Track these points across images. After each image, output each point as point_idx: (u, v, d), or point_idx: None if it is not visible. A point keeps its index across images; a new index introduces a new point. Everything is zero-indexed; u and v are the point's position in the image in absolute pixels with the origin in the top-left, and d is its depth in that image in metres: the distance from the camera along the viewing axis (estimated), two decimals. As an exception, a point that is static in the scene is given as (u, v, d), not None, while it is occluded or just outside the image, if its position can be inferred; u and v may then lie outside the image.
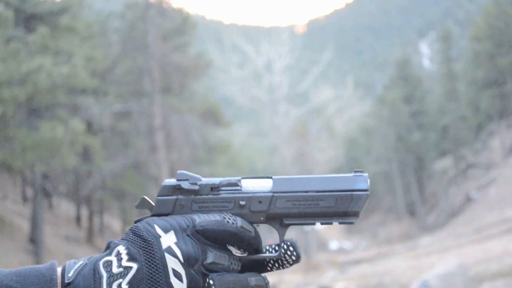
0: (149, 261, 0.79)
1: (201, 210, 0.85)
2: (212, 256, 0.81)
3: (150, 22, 22.00)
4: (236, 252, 0.86)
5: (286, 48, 39.90)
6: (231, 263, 0.82)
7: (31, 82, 14.45)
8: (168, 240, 0.80)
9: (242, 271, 0.84)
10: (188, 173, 0.87)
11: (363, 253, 29.28)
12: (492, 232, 18.95)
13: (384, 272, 16.15)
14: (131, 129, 22.96)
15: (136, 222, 0.86)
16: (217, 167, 27.62)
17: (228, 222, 0.82)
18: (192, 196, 0.86)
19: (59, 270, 0.82)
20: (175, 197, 0.86)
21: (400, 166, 43.15)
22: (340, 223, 0.87)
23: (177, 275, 0.79)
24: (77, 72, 15.69)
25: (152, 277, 0.78)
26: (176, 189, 0.86)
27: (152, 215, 0.86)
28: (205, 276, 0.80)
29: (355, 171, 0.87)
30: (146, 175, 24.05)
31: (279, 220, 0.87)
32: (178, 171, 0.87)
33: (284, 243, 0.86)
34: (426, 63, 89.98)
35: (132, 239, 0.82)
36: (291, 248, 0.85)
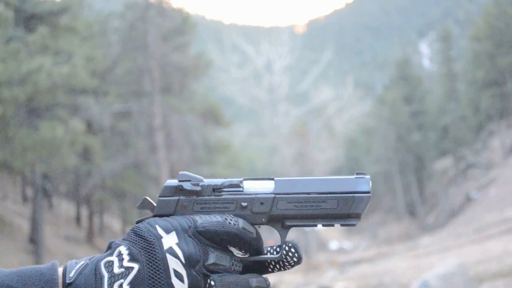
0: (150, 262, 0.79)
1: (203, 211, 0.85)
2: (213, 257, 0.81)
3: (150, 22, 21.99)
4: (237, 253, 0.86)
5: (286, 48, 39.90)
6: (233, 264, 0.82)
7: (31, 82, 14.44)
8: (169, 240, 0.80)
9: (243, 272, 0.84)
10: (190, 174, 0.87)
11: (363, 253, 29.28)
12: (492, 232, 18.95)
13: (384, 272, 16.15)
14: (131, 129, 22.95)
15: (137, 222, 0.86)
16: (217, 167, 27.61)
17: (229, 223, 0.82)
18: (194, 197, 0.86)
19: (60, 270, 0.82)
20: (177, 197, 0.86)
21: (400, 166, 43.15)
22: (341, 225, 0.87)
23: (179, 276, 0.79)
24: (77, 72, 15.69)
25: (153, 278, 0.78)
26: (178, 190, 0.86)
27: (154, 216, 0.86)
28: (206, 277, 0.80)
29: (357, 173, 0.88)
30: (146, 175, 24.05)
31: (281, 222, 0.87)
32: (180, 172, 0.87)
33: (286, 245, 0.86)
34: (426, 63, 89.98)
35: (133, 240, 0.82)
36: (292, 250, 0.85)
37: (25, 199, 25.27)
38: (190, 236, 0.81)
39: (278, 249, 0.87)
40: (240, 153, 44.97)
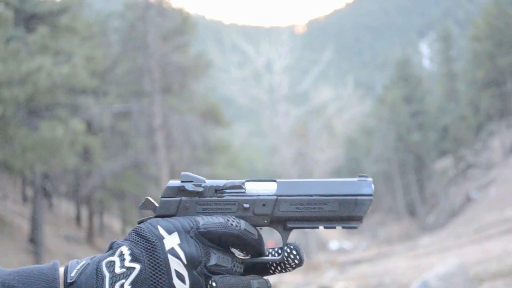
0: (152, 262, 0.79)
1: (205, 212, 0.85)
2: (215, 258, 0.81)
3: (150, 22, 21.99)
4: (238, 254, 0.86)
5: (286, 48, 39.90)
6: (234, 266, 0.82)
7: (31, 82, 14.44)
8: (171, 241, 0.80)
9: (244, 273, 0.84)
10: (193, 174, 0.87)
11: (363, 253, 29.28)
12: (492, 232, 18.95)
13: (384, 272, 16.15)
14: (131, 129, 22.95)
15: (139, 222, 0.86)
16: (217, 167, 27.62)
17: (231, 224, 0.82)
18: (196, 198, 0.86)
19: (61, 270, 0.82)
20: (179, 198, 0.86)
21: (400, 166, 43.14)
22: (343, 227, 0.87)
23: (180, 277, 0.79)
24: (77, 72, 15.68)
25: (155, 278, 0.78)
26: (180, 190, 0.86)
27: (156, 216, 0.86)
28: (207, 278, 0.80)
29: (360, 176, 0.88)
30: (146, 175, 24.04)
31: (283, 224, 0.87)
32: (182, 173, 0.87)
33: (287, 247, 0.86)
34: (426, 63, 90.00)
35: (135, 240, 0.82)
36: (294, 252, 0.86)
37: (25, 199, 25.26)
38: (192, 237, 0.81)
39: (279, 251, 0.87)
40: (240, 153, 44.98)
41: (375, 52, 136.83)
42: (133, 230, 0.84)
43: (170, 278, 0.79)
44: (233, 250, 0.85)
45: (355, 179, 0.87)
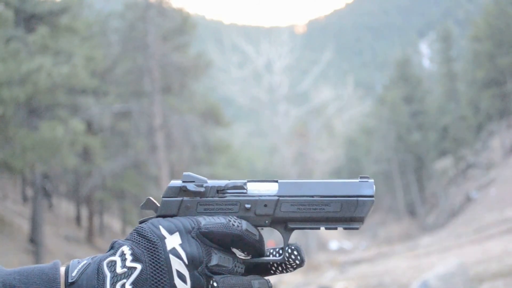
0: (153, 262, 0.79)
1: (207, 212, 0.86)
2: (216, 259, 0.81)
3: (150, 22, 21.98)
4: (239, 254, 0.86)
5: (286, 48, 39.92)
6: (235, 266, 0.82)
7: (31, 82, 14.44)
8: (173, 241, 0.80)
9: (245, 273, 0.84)
10: (194, 175, 0.87)
11: (363, 253, 29.28)
12: (492, 232, 18.94)
13: (384, 272, 16.15)
14: (131, 129, 22.95)
15: (141, 222, 0.86)
16: (217, 167, 27.62)
17: (233, 225, 0.82)
18: (198, 198, 0.86)
19: (62, 269, 0.82)
20: (180, 198, 0.86)
21: (400, 166, 43.15)
22: (344, 228, 0.87)
23: (181, 277, 0.79)
24: (77, 72, 15.67)
25: (156, 278, 0.78)
26: (182, 190, 0.86)
27: (157, 216, 0.86)
28: (209, 278, 0.80)
29: (361, 177, 0.88)
30: (146, 175, 24.04)
31: (284, 224, 0.87)
32: (184, 173, 0.87)
33: (289, 247, 0.86)
34: (426, 63, 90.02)
35: (136, 240, 0.82)
36: (295, 252, 0.86)
37: (25, 199, 25.26)
38: (193, 237, 0.81)
39: (280, 251, 0.87)
40: (240, 153, 44.99)
41: (375, 52, 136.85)
42: (135, 230, 0.84)
43: (172, 278, 0.79)
44: (234, 250, 0.85)
45: (357, 180, 0.87)
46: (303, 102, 42.18)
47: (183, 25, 23.66)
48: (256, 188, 0.87)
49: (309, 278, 19.25)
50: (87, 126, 19.69)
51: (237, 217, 0.85)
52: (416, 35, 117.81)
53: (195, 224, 0.82)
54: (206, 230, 0.81)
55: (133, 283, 0.78)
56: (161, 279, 0.78)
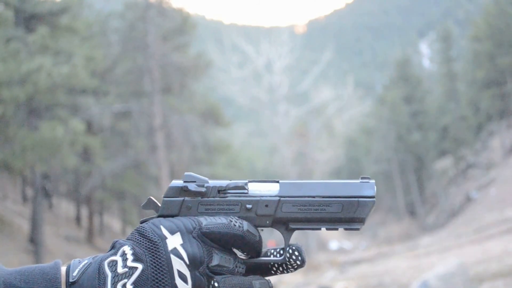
0: (154, 262, 0.79)
1: (208, 213, 0.86)
2: (217, 259, 0.81)
3: (150, 22, 21.98)
4: (240, 255, 0.86)
5: (286, 48, 39.93)
6: (236, 266, 0.82)
7: (31, 82, 14.44)
8: (174, 241, 0.80)
9: (246, 274, 0.84)
10: (195, 175, 0.87)
11: (363, 253, 29.28)
12: (492, 232, 18.94)
13: (384, 272, 16.15)
14: (131, 129, 22.95)
15: (142, 222, 0.85)
16: (217, 167, 27.62)
17: (234, 225, 0.82)
18: (199, 198, 0.86)
19: (63, 269, 0.82)
20: (181, 198, 0.86)
21: (400, 166, 43.14)
22: (345, 229, 0.87)
23: (182, 277, 0.79)
24: (77, 72, 15.67)
25: (157, 278, 0.78)
26: (183, 190, 0.86)
27: (158, 216, 0.86)
28: (210, 278, 0.80)
29: (362, 178, 0.88)
30: (146, 175, 24.04)
31: (285, 225, 0.87)
32: (185, 173, 0.87)
33: (290, 248, 0.86)
34: (426, 63, 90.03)
35: (137, 240, 0.82)
36: (296, 253, 0.86)
37: (25, 199, 25.26)
38: (194, 238, 0.81)
39: (281, 252, 0.87)
40: (240, 153, 45.00)
41: (375, 52, 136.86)
42: (136, 229, 0.84)
43: (173, 278, 0.79)
44: (234, 250, 0.85)
45: (358, 181, 0.87)
46: (303, 102, 42.20)
47: (183, 25, 23.66)
48: (257, 189, 0.87)
49: (309, 278, 19.25)
50: (87, 126, 19.70)
51: (238, 217, 0.85)
52: (416, 35, 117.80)
53: (196, 224, 0.82)
54: (207, 230, 0.81)
55: (134, 283, 0.78)
56: (162, 279, 0.78)
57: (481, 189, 35.30)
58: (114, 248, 0.83)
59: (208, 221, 0.82)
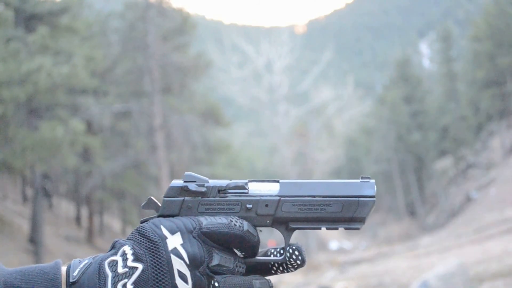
0: (154, 262, 0.79)
1: (208, 212, 0.86)
2: (217, 259, 0.81)
3: (150, 22, 21.98)
4: (240, 255, 0.86)
5: (286, 48, 39.93)
6: (236, 266, 0.83)
7: (31, 82, 14.44)
8: (174, 241, 0.80)
9: (246, 273, 0.84)
10: (196, 174, 0.87)
11: (363, 253, 29.28)
12: (492, 232, 18.94)
13: (384, 272, 16.15)
14: (131, 129, 22.95)
15: (142, 222, 0.85)
16: (217, 167, 27.63)
17: (235, 225, 0.83)
18: (199, 198, 0.86)
19: (63, 269, 0.82)
20: (182, 198, 0.86)
21: (400, 166, 43.14)
22: (345, 228, 0.87)
23: (183, 277, 0.79)
24: (77, 72, 15.67)
25: (157, 278, 0.78)
26: (183, 190, 0.86)
27: (159, 216, 0.86)
28: (210, 278, 0.81)
29: (362, 177, 0.88)
30: (146, 175, 24.04)
31: (285, 224, 0.87)
32: (186, 173, 0.87)
33: (290, 247, 0.86)
34: (426, 63, 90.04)
35: (138, 240, 0.82)
36: (296, 253, 0.86)
37: (25, 199, 25.26)
38: (194, 237, 0.81)
39: (281, 251, 0.87)
40: (240, 153, 44.99)
41: (375, 52, 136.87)
42: (136, 229, 0.84)
43: (173, 278, 0.79)
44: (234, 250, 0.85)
45: (358, 181, 0.87)
46: (303, 102, 42.21)
47: (183, 25, 23.66)
48: (257, 188, 0.87)
49: (309, 278, 19.25)
50: (87, 126, 19.69)
51: (239, 217, 0.85)
52: (416, 35, 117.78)
53: (196, 224, 0.82)
54: (207, 230, 0.81)
55: (134, 283, 0.78)
56: (163, 279, 0.78)
57: (481, 189, 35.30)
58: (114, 248, 0.83)
59: (208, 221, 0.82)
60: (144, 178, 24.01)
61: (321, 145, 39.99)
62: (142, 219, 0.86)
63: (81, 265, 0.81)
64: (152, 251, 0.80)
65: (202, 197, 0.86)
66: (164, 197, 0.87)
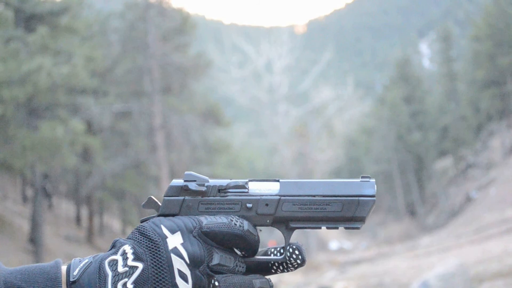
0: (155, 261, 0.79)
1: (208, 212, 0.86)
2: (217, 258, 0.81)
3: (150, 22, 21.98)
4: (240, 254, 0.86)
5: (286, 48, 39.93)
6: (236, 265, 0.83)
7: (31, 82, 14.43)
8: (174, 241, 0.80)
9: (246, 273, 0.85)
10: (196, 174, 0.87)
11: (363, 253, 29.28)
12: (492, 232, 18.95)
13: (384, 272, 16.15)
14: (131, 129, 22.94)
15: (142, 221, 0.86)
16: (217, 167, 27.63)
17: (235, 224, 0.83)
18: (199, 197, 0.86)
19: (64, 268, 0.82)
20: (182, 197, 0.86)
21: (400, 166, 43.14)
22: (346, 228, 0.87)
23: (183, 276, 0.79)
24: (77, 72, 15.67)
25: (157, 277, 0.78)
26: (183, 190, 0.86)
27: (159, 215, 0.86)
28: (210, 277, 0.81)
29: (362, 177, 0.88)
30: (146, 175, 24.03)
31: (285, 224, 0.87)
32: (186, 172, 0.87)
33: (290, 247, 0.86)
34: (426, 63, 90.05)
35: (138, 239, 0.82)
36: (296, 252, 0.86)
37: (25, 199, 25.25)
38: (195, 237, 0.81)
39: (281, 251, 0.87)
40: (240, 153, 44.99)
41: (375, 52, 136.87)
42: (136, 229, 0.84)
43: (173, 277, 0.79)
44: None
45: (358, 180, 0.87)
46: (303, 102, 42.22)
47: (183, 25, 23.66)
48: (257, 188, 0.87)
49: (309, 278, 19.26)
50: (87, 126, 19.69)
51: (239, 216, 0.85)
52: (416, 35, 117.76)
53: (196, 224, 0.82)
54: (207, 230, 0.81)
55: (134, 282, 0.78)
56: (163, 278, 0.78)
57: (481, 189, 35.30)
58: (115, 247, 0.83)
59: (208, 220, 0.82)
60: (144, 178, 24.00)
61: (321, 145, 39.98)
62: (142, 219, 0.86)
63: (81, 264, 0.81)
64: (152, 250, 0.80)
65: (202, 197, 0.86)
66: (164, 196, 0.87)
